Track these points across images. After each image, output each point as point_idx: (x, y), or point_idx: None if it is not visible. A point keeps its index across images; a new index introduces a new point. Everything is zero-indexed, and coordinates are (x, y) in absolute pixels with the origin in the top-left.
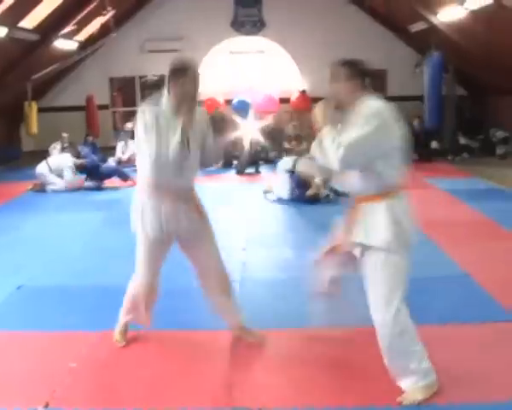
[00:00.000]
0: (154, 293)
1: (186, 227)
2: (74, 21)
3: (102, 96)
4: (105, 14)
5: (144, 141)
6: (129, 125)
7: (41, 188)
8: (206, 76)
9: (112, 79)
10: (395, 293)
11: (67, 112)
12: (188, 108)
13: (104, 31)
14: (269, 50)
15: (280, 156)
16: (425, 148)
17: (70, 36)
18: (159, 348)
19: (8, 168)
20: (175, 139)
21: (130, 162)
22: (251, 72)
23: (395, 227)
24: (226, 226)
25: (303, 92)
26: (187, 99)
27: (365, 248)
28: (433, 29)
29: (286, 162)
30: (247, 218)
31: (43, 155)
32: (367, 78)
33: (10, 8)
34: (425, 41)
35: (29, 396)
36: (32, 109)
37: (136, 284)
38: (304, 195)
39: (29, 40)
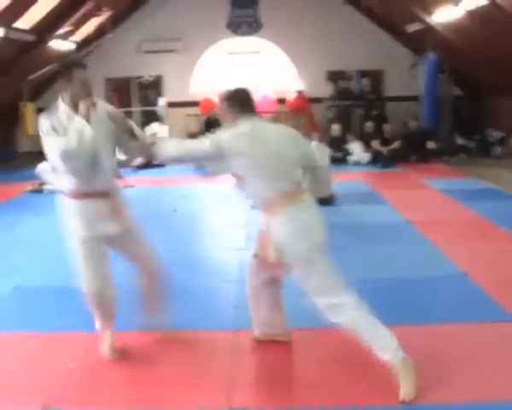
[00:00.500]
0: (110, 299)
1: (111, 227)
2: (70, 22)
3: (98, 96)
4: (101, 15)
5: (50, 148)
6: None
7: (39, 189)
8: (202, 76)
9: (108, 80)
10: (331, 290)
11: None
12: (86, 101)
13: (100, 31)
14: (265, 51)
15: None
16: (421, 148)
17: (66, 36)
18: (158, 348)
19: (4, 169)
20: (75, 133)
21: (127, 163)
22: (247, 72)
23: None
24: (224, 227)
25: (300, 92)
26: (83, 93)
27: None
28: (428, 29)
29: None
30: (245, 218)
31: (39, 155)
32: (244, 105)
33: (6, 8)
34: (421, 41)
35: (28, 397)
36: (28, 110)
37: (86, 293)
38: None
39: (25, 41)
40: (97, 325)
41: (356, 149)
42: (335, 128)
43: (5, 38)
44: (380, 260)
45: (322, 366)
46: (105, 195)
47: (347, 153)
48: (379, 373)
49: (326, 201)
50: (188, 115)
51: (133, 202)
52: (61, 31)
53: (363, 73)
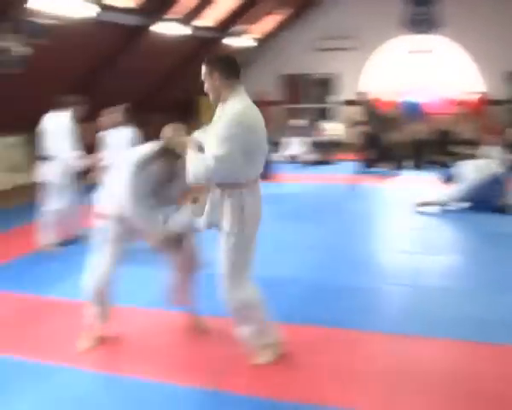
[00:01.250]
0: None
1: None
2: (249, 20)
3: (273, 92)
4: (278, 13)
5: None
6: (293, 122)
7: None
8: (375, 75)
9: (281, 76)
10: (236, 269)
11: None
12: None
13: (277, 29)
14: (440, 49)
15: (452, 160)
16: None
17: (244, 34)
18: (322, 345)
19: None
20: None
21: (297, 159)
22: (421, 71)
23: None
24: (391, 229)
25: (480, 94)
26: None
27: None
28: None
29: (482, 167)
30: (413, 222)
31: None
32: (231, 74)
33: (191, 8)
34: None
35: (193, 375)
36: (207, 103)
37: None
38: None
39: (207, 37)
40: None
41: None
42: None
43: (189, 35)
44: None
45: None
46: None
47: None
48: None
49: (500, 209)
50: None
51: (300, 197)
52: (240, 28)
53: None
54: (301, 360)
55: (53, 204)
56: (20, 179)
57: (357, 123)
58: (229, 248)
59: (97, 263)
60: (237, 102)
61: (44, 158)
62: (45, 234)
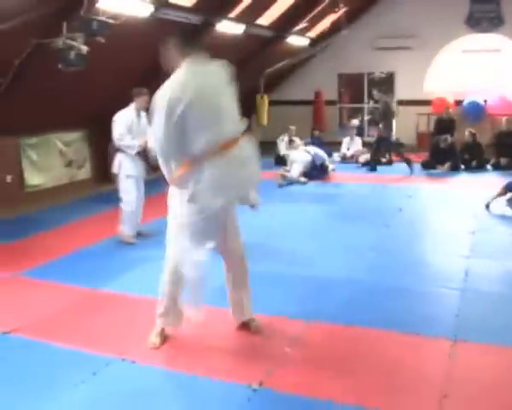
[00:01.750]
0: None
1: None
2: (307, 19)
3: (330, 91)
4: (337, 12)
5: None
6: (354, 122)
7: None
8: (436, 74)
9: (340, 75)
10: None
11: (295, 106)
12: None
13: (335, 28)
14: (507, 49)
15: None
16: None
17: (302, 33)
18: (367, 346)
19: None
20: None
21: (354, 159)
22: (485, 71)
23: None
24: (449, 231)
25: None
26: None
27: None
28: None
29: None
30: (473, 225)
31: (270, 145)
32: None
33: (248, 7)
34: None
35: (245, 373)
36: (264, 102)
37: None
38: None
39: (264, 36)
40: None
41: None
42: None
43: (247, 34)
44: None
45: None
46: None
47: None
48: None
49: None
50: (418, 114)
51: (356, 197)
52: (298, 27)
53: None
54: (347, 361)
55: (126, 196)
56: (79, 175)
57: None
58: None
59: (172, 255)
60: (172, 77)
61: (116, 150)
62: (121, 225)
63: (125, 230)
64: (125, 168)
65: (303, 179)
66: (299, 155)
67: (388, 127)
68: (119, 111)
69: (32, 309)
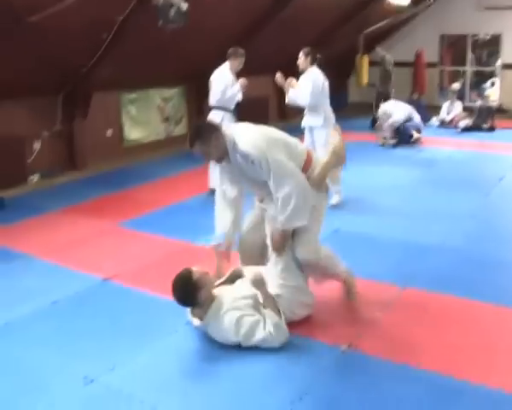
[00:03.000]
0: None
1: None
2: None
3: (431, 53)
4: None
5: None
6: (455, 86)
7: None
8: None
9: (442, 37)
10: None
11: (395, 67)
12: None
13: None
14: None
15: None
16: None
17: None
18: (457, 314)
19: (336, 117)
20: None
21: (453, 123)
22: None
23: None
24: None
25: None
26: None
27: None
28: None
29: None
30: None
31: (368, 107)
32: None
33: None
34: None
35: (335, 334)
36: (364, 62)
37: None
38: None
39: None
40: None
41: None
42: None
43: None
44: None
45: None
46: None
47: None
48: None
49: None
50: None
51: (455, 163)
52: None
53: None
54: (438, 330)
55: None
56: (176, 130)
57: None
58: None
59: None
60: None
61: (211, 108)
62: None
63: None
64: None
65: (392, 142)
66: (395, 110)
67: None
68: (216, 69)
69: (129, 258)
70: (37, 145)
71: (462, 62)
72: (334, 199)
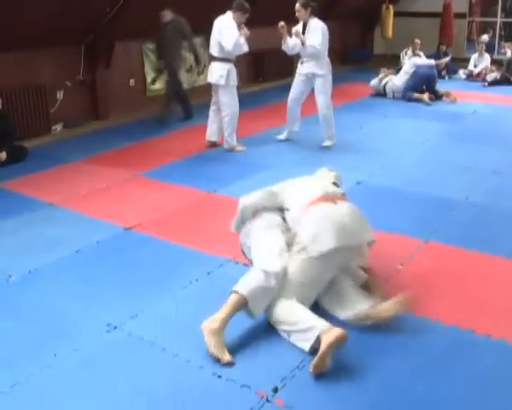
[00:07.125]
0: None
1: None
2: None
3: (460, 3)
4: None
5: None
6: (484, 37)
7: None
8: None
9: None
10: None
11: (422, 18)
12: None
13: None
14: None
15: None
16: None
17: None
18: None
19: (359, 69)
20: None
21: (481, 77)
22: None
23: None
24: None
25: None
26: None
27: None
28: None
29: None
30: None
31: (392, 59)
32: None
33: None
34: None
35: None
36: (389, 13)
37: None
38: None
39: None
40: None
41: None
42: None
43: None
44: None
45: None
46: None
47: None
48: None
49: None
50: None
51: (481, 117)
52: None
53: None
54: (459, 284)
55: (234, 106)
56: (199, 80)
57: None
58: None
59: None
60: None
61: (214, 58)
62: (228, 137)
63: (234, 140)
64: (233, 79)
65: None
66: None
67: None
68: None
69: (151, 208)
70: (60, 95)
71: (493, 13)
72: None
